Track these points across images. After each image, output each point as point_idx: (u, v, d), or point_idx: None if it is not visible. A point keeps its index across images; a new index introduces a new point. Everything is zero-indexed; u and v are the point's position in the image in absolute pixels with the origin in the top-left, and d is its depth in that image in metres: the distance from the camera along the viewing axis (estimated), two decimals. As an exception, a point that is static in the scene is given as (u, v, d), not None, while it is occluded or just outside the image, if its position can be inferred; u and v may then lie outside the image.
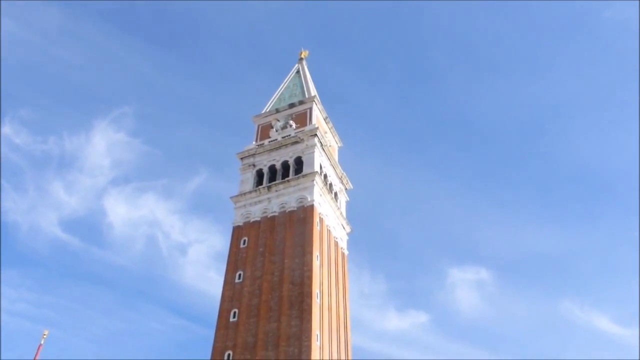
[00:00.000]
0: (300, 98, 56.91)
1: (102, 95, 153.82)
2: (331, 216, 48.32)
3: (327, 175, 50.77)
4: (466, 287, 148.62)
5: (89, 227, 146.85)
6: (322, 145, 50.68)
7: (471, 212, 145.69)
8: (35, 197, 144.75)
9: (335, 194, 51.83)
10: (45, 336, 19.18)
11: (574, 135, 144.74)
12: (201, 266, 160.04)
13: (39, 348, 18.57)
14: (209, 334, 40.53)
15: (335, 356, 38.83)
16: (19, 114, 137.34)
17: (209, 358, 37.93)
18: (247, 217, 46.56)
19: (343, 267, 47.23)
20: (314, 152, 48.87)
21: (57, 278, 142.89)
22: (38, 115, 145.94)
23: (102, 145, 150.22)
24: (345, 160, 59.80)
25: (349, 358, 41.43)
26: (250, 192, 48.30)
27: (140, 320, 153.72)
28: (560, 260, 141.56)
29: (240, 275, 42.17)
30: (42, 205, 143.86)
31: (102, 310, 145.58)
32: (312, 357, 34.67)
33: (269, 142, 52.79)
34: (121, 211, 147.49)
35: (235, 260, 43.57)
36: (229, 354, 37.39)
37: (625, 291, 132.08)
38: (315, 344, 35.74)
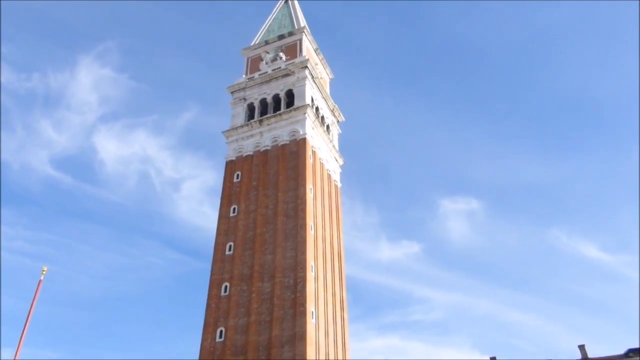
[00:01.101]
0: (290, 29, 55.52)
1: (85, 29, 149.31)
2: (324, 149, 48.29)
3: (319, 107, 50.32)
4: (457, 217, 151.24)
5: (80, 165, 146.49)
6: (313, 77, 49.93)
7: (462, 143, 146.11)
8: (23, 136, 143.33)
9: (328, 127, 51.59)
10: (44, 272, 19.40)
11: (566, 64, 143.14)
12: (195, 201, 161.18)
13: (39, 284, 18.85)
14: (206, 267, 41.39)
15: (329, 286, 39.89)
16: (2, 51, 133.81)
17: (207, 290, 38.92)
18: (240, 152, 46.50)
19: (336, 199, 47.70)
20: (305, 84, 48.21)
21: (52, 216, 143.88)
22: (20, 51, 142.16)
23: (88, 81, 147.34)
24: (337, 92, 59.20)
25: (343, 287, 42.59)
26: (242, 126, 47.98)
27: (138, 255, 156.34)
28: (549, 190, 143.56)
29: (234, 209, 42.57)
30: (31, 144, 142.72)
31: (100, 247, 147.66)
32: (307, 288, 35.62)
33: (259, 75, 51.93)
34: (112, 148, 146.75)
35: (229, 195, 43.87)
36: (226, 286, 38.33)
37: (613, 219, 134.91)
38: (310, 275, 36.62)
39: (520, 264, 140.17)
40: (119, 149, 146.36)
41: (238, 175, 44.87)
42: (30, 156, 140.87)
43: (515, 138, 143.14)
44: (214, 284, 38.85)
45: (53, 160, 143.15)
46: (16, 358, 17.31)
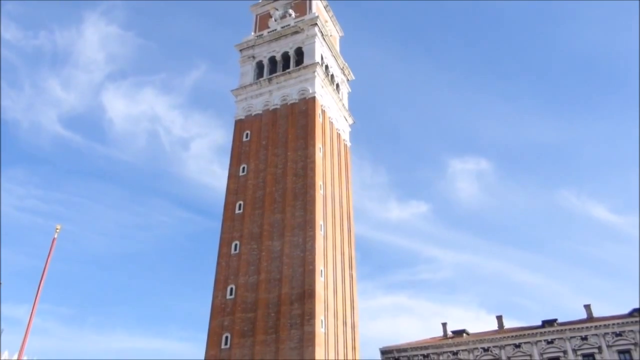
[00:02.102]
0: (299, -16, 54.34)
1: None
2: (333, 108, 47.94)
3: (329, 66, 49.70)
4: (466, 177, 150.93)
5: (89, 123, 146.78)
6: (322, 35, 49.14)
7: (472, 103, 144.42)
8: (32, 95, 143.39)
9: (337, 85, 51.06)
10: (58, 230, 19.68)
11: (579, 22, 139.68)
12: (204, 160, 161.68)
13: (53, 242, 19.15)
14: (216, 226, 41.94)
15: (338, 245, 40.29)
16: (6, 8, 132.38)
17: (217, 248, 39.46)
18: (249, 111, 46.28)
19: (345, 158, 47.64)
20: (314, 42, 47.50)
21: (63, 175, 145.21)
22: (25, 9, 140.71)
23: (95, 39, 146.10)
24: (347, 50, 58.35)
25: (352, 246, 43.00)
26: (251, 84, 47.60)
27: (149, 214, 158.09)
28: (560, 151, 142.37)
29: (244, 168, 42.69)
30: (40, 102, 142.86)
31: (112, 206, 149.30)
32: (316, 246, 36.00)
33: (268, 32, 51.15)
34: (120, 107, 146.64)
35: (238, 154, 43.93)
36: (236, 244, 38.83)
37: (623, 181, 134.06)
38: (319, 234, 36.95)
39: (528, 225, 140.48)
40: (127, 108, 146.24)
41: (247, 134, 44.80)
42: (39, 115, 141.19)
43: (525, 98, 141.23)
44: (224, 242, 39.35)
45: (62, 119, 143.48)
46: (33, 312, 17.76)
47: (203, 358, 35.78)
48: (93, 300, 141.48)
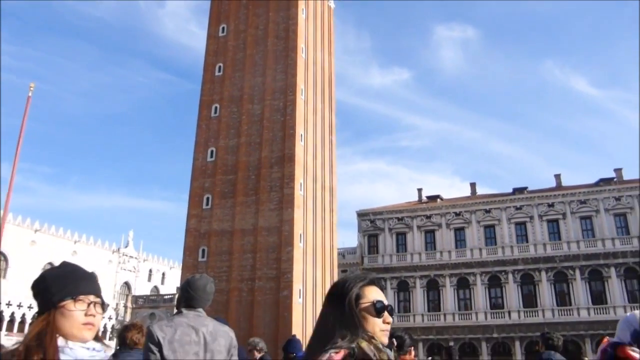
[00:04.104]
0: None
1: None
2: (317, -35, 45.23)
3: None
4: (451, 45, 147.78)
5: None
6: None
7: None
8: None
9: (323, -60, 47.69)
10: (32, 88, 19.13)
11: None
12: (181, 19, 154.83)
13: (28, 100, 18.71)
14: (196, 88, 41.18)
15: (319, 109, 40.21)
16: None
17: (198, 111, 39.20)
18: (228, -34, 43.48)
19: (329, 21, 45.91)
20: None
21: (35, 31, 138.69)
22: None
23: None
24: None
25: (332, 112, 42.97)
26: (229, -64, 44.21)
27: (126, 74, 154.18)
28: (549, 21, 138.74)
29: (223, 28, 41.06)
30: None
31: (87, 65, 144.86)
32: (297, 111, 35.96)
33: None
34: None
35: (217, 13, 41.98)
36: (216, 107, 38.54)
37: (608, 53, 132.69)
38: (300, 98, 36.71)
39: (509, 96, 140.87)
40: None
41: (226, -9, 42.50)
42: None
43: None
44: (204, 105, 39.00)
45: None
46: (14, 170, 17.85)
47: (185, 217, 37.16)
48: (74, 160, 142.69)
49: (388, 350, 1.70)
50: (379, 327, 1.74)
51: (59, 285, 1.82)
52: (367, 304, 1.74)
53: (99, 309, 1.85)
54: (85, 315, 1.81)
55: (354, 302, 1.73)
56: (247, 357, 6.81)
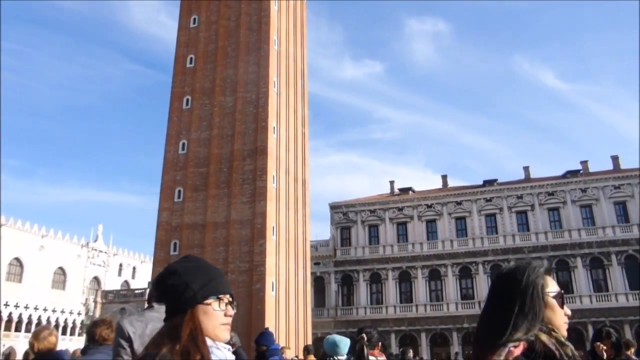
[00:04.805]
0: None
1: None
2: (290, -43, 44.92)
3: None
4: (423, 38, 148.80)
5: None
6: None
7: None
8: None
9: None
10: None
11: None
12: (151, 9, 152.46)
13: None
14: (167, 80, 40.63)
15: (292, 102, 40.08)
16: None
17: (169, 103, 38.67)
18: (199, -44, 42.86)
19: (302, 13, 45.70)
20: None
21: (1, 20, 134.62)
22: None
23: None
24: None
25: (305, 104, 42.88)
26: None
27: (97, 65, 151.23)
28: (519, 15, 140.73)
29: (195, 20, 40.52)
30: None
31: (57, 56, 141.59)
32: (269, 103, 35.77)
33: None
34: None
35: (188, 4, 41.36)
36: (187, 99, 38.07)
37: (576, 48, 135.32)
38: (272, 90, 36.52)
39: (481, 89, 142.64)
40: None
41: (197, -18, 41.92)
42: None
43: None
44: (176, 97, 38.49)
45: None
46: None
47: (157, 211, 36.71)
48: (41, 152, 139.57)
49: (570, 345, 1.57)
50: (563, 319, 1.63)
51: (201, 283, 1.72)
52: (554, 293, 1.62)
53: (234, 309, 1.78)
54: (225, 315, 1.73)
55: (540, 292, 1.59)
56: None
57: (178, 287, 1.70)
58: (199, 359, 1.60)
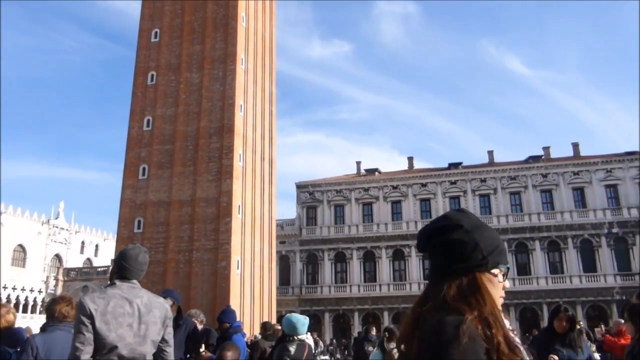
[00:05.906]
0: None
1: None
2: None
3: None
4: (392, 19, 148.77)
5: None
6: None
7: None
8: None
9: None
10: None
11: None
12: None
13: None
14: (131, 54, 39.60)
15: (259, 80, 39.67)
16: None
17: (133, 78, 37.81)
18: None
19: (271, -10, 45.04)
20: None
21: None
22: None
23: None
24: None
25: (273, 82, 42.52)
26: None
27: (54, 37, 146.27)
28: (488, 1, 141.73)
29: (161, -8, 39.49)
30: None
31: (9, 26, 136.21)
32: (237, 81, 35.34)
33: None
34: None
35: (154, -24, 40.28)
36: (152, 75, 37.29)
37: (541, 35, 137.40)
38: (240, 68, 36.08)
39: (448, 72, 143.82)
40: None
41: (164, -46, 40.78)
42: None
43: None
44: (140, 72, 37.64)
45: None
46: None
47: (121, 188, 36.10)
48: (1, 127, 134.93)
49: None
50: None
51: (490, 247, 1.51)
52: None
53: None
54: (502, 288, 1.55)
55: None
56: (195, 328, 6.64)
57: (467, 244, 1.50)
58: (500, 334, 1.39)
